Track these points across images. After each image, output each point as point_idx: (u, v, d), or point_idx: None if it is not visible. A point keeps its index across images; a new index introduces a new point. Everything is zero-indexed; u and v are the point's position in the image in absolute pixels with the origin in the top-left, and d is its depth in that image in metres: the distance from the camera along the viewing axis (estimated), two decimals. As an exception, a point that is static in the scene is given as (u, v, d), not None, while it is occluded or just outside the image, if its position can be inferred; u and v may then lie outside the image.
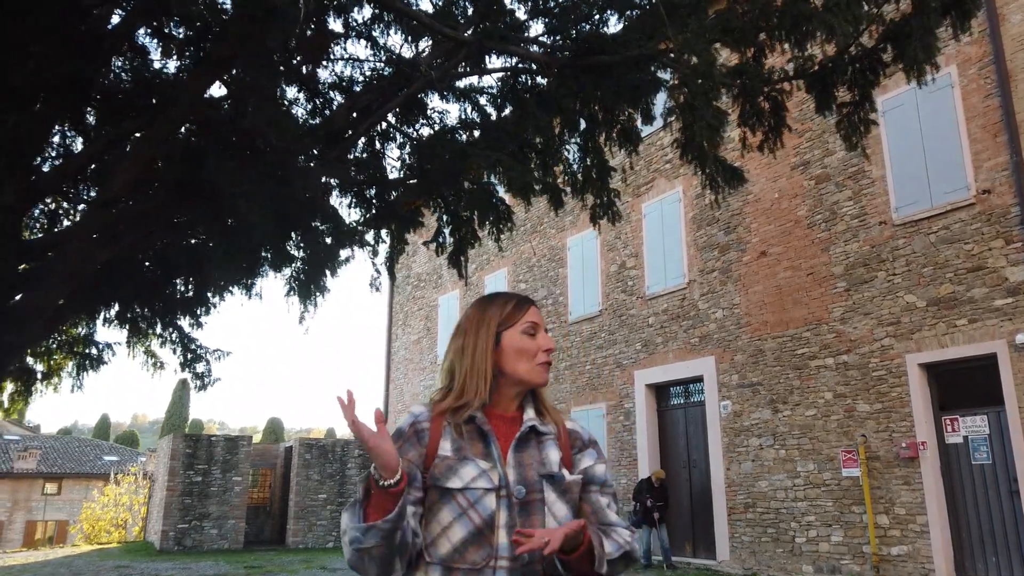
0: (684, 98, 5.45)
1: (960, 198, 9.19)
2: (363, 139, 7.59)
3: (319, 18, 6.68)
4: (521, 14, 7.21)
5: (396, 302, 22.09)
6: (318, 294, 6.73)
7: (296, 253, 7.33)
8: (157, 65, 6.93)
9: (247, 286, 7.87)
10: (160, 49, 6.71)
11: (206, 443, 18.03)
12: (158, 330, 8.66)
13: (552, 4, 7.03)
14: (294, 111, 7.47)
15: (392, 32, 7.31)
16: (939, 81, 9.41)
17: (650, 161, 13.94)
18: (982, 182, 9.01)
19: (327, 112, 7.42)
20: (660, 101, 6.43)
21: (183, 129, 6.42)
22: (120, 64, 6.69)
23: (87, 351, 8.88)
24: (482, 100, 7.72)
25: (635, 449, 13.16)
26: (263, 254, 7.34)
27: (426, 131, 7.78)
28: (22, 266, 6.58)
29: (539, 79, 7.12)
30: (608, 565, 1.47)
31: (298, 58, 6.91)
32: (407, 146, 7.80)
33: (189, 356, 8.89)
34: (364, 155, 7.72)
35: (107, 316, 8.34)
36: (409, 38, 7.31)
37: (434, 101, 7.61)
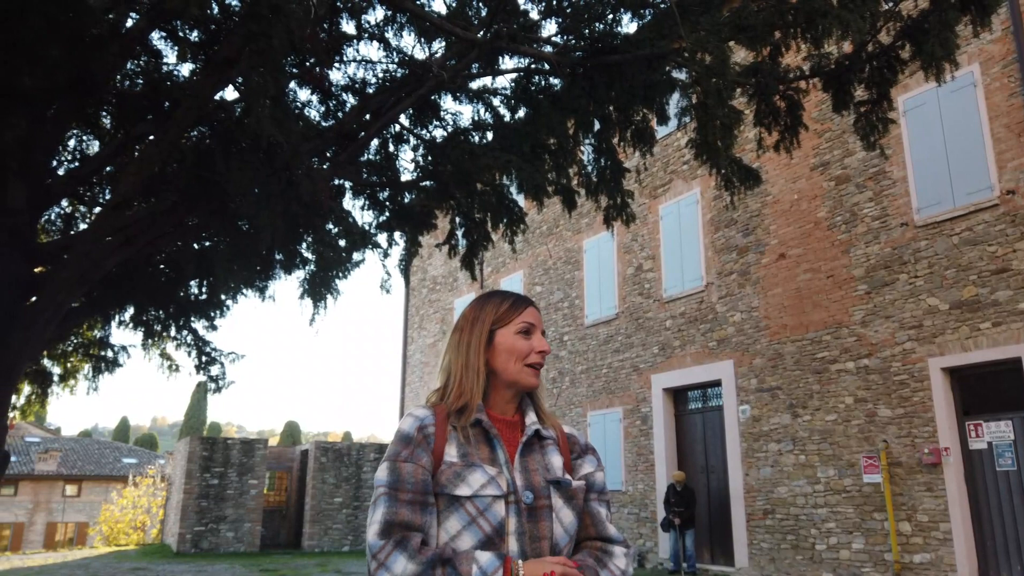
0: (698, 97, 5.37)
1: (983, 199, 9.01)
2: (376, 141, 7.57)
3: (332, 20, 6.67)
4: (534, 14, 7.16)
5: (412, 305, 22.09)
6: (329, 296, 6.70)
7: (308, 255, 7.32)
8: (170, 68, 6.95)
9: (260, 288, 7.87)
10: (176, 52, 6.74)
11: (222, 446, 18.11)
12: (173, 332, 8.69)
13: (565, 4, 6.97)
14: (307, 113, 7.47)
15: (405, 33, 7.29)
16: (961, 80, 9.25)
17: (667, 162, 13.82)
18: (1006, 182, 8.83)
19: (340, 114, 7.40)
20: (675, 101, 6.35)
21: (193, 131, 6.42)
22: (133, 67, 6.71)
23: (103, 353, 8.93)
24: (495, 101, 7.67)
25: (652, 454, 13.03)
26: (276, 256, 7.33)
27: (439, 133, 7.75)
28: (37, 268, 6.61)
29: (552, 80, 7.06)
30: None
31: (311, 60, 6.90)
32: (420, 148, 7.76)
33: (204, 359, 8.91)
34: (377, 157, 7.69)
35: (122, 319, 8.38)
36: (422, 39, 7.28)
37: (447, 103, 7.56)
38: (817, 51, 5.48)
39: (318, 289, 6.68)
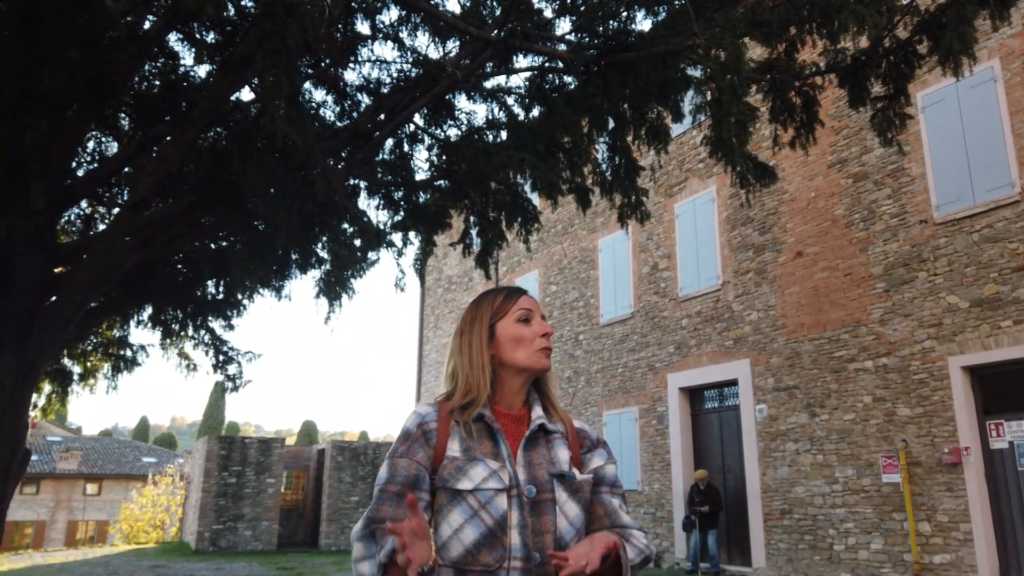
0: (712, 94, 5.34)
1: (1004, 195, 8.89)
2: (391, 141, 7.59)
3: (346, 20, 6.70)
4: (548, 13, 7.15)
5: (427, 304, 22.14)
6: (344, 295, 6.73)
7: (323, 255, 7.35)
8: (187, 69, 7.01)
9: (276, 288, 7.92)
10: (192, 53, 6.80)
11: (240, 445, 18.24)
12: (190, 332, 8.76)
13: (579, 2, 6.96)
14: (323, 113, 7.50)
15: (419, 33, 7.31)
16: (981, 75, 9.14)
17: (683, 161, 13.77)
18: (1027, 178, 8.71)
19: (355, 114, 7.43)
20: (689, 98, 6.33)
21: (210, 132, 6.47)
22: (150, 68, 6.77)
23: (122, 353, 9.02)
24: (509, 100, 7.67)
25: (668, 454, 12.97)
26: (291, 256, 7.38)
27: (454, 132, 7.75)
28: (57, 269, 6.69)
29: (567, 78, 7.05)
30: (631, 572, 1.45)
31: (326, 60, 6.93)
32: (434, 147, 7.78)
33: (221, 358, 8.98)
34: (392, 157, 7.72)
35: (140, 318, 8.46)
36: (436, 39, 7.29)
37: (461, 102, 7.59)
38: (833, 46, 5.43)
39: (333, 288, 6.71)
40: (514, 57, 7.05)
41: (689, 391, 12.99)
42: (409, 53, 7.30)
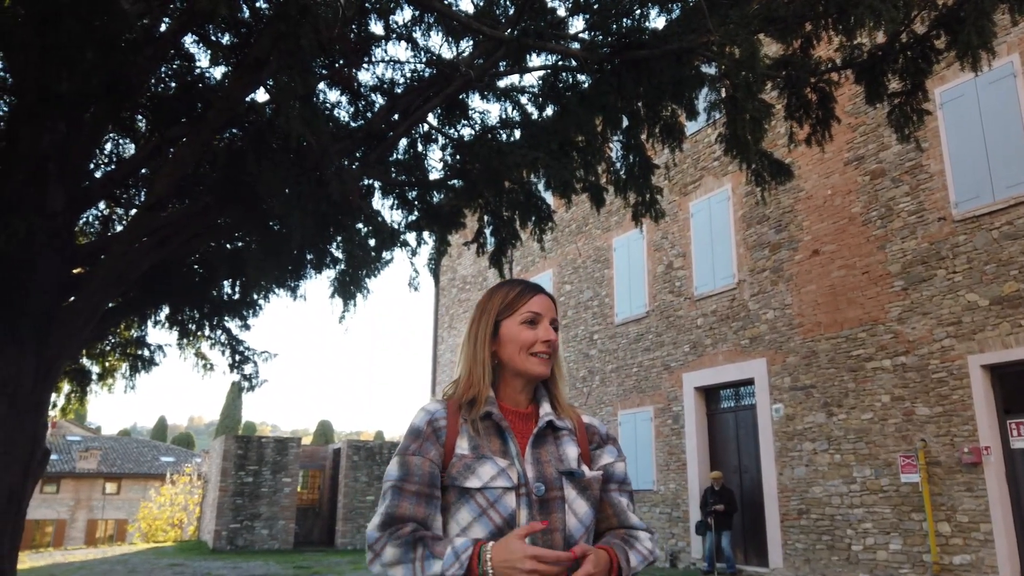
0: (727, 91, 5.30)
1: (1025, 192, 8.78)
2: (405, 141, 7.60)
3: (360, 20, 6.72)
4: (561, 11, 7.13)
5: (442, 304, 22.18)
6: (359, 295, 6.75)
7: (338, 255, 7.38)
8: (202, 71, 7.06)
9: (291, 288, 7.95)
10: (208, 55, 6.85)
11: (257, 445, 18.35)
12: (207, 332, 8.81)
13: (593, 0, 6.93)
14: (337, 114, 7.52)
15: (433, 33, 7.31)
16: (1000, 70, 9.03)
17: (698, 159, 13.70)
18: (1048, 174, 8.59)
19: (369, 114, 7.45)
20: (704, 96, 6.29)
21: (225, 133, 6.51)
22: (166, 70, 6.83)
23: (139, 353, 9.09)
24: (523, 99, 7.65)
25: (684, 453, 12.92)
26: (306, 256, 7.41)
27: (467, 132, 7.75)
28: (76, 269, 6.75)
29: (580, 76, 7.03)
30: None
31: (340, 61, 6.96)
32: (448, 147, 7.78)
33: (237, 357, 9.02)
34: (406, 156, 7.73)
35: (157, 318, 8.52)
36: (449, 39, 7.29)
37: (475, 101, 7.59)
38: (849, 42, 5.38)
39: (348, 288, 6.72)
40: (527, 56, 7.03)
41: (705, 390, 12.92)
42: (423, 53, 7.30)
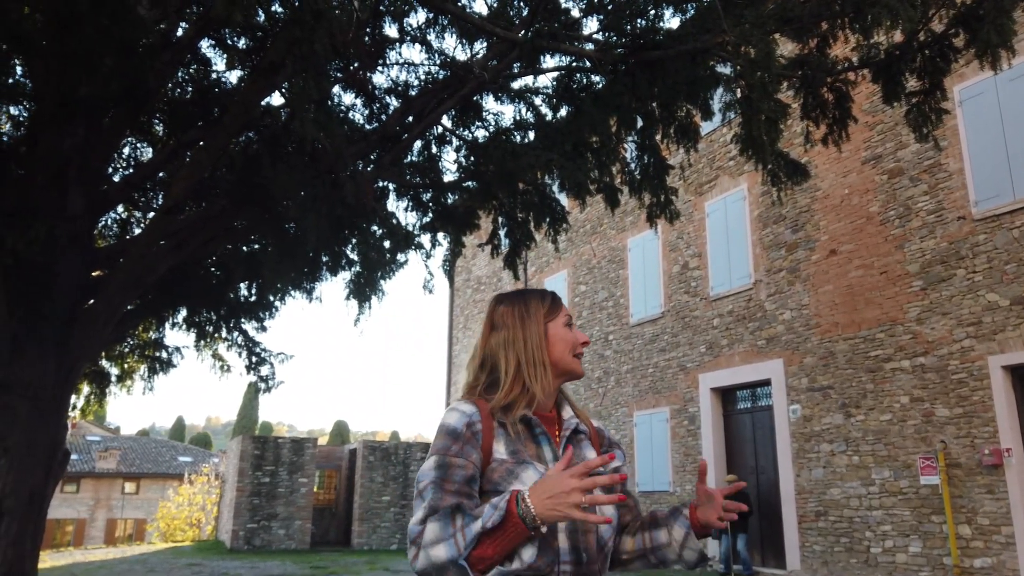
0: (742, 91, 5.27)
1: (1046, 190, 8.67)
2: (419, 143, 7.62)
3: (374, 23, 6.74)
4: (575, 12, 7.12)
5: (456, 305, 22.22)
6: (374, 297, 6.78)
7: (353, 257, 7.41)
8: (219, 75, 7.12)
9: (307, 290, 8.00)
10: (224, 60, 6.90)
11: (273, 445, 18.46)
12: (224, 334, 8.88)
13: (607, 1, 6.92)
14: (351, 116, 7.56)
15: (447, 35, 7.32)
16: (1021, 67, 8.92)
17: (713, 159, 13.63)
18: (1070, 173, 8.48)
19: (383, 117, 7.48)
20: (719, 96, 6.26)
21: (241, 137, 6.56)
22: (183, 75, 6.89)
23: (158, 354, 9.17)
24: (537, 100, 7.65)
25: (700, 454, 12.86)
26: (322, 258, 7.45)
27: (481, 133, 7.76)
28: (95, 272, 6.83)
29: (594, 77, 7.02)
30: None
31: (354, 64, 6.99)
32: (462, 149, 7.79)
33: (254, 359, 9.08)
34: (420, 159, 7.75)
35: (175, 320, 8.60)
36: (463, 41, 7.30)
37: (489, 103, 7.58)
38: (866, 41, 5.33)
39: (363, 290, 6.75)
40: (541, 57, 7.03)
41: (721, 391, 12.86)
42: (437, 55, 7.32)
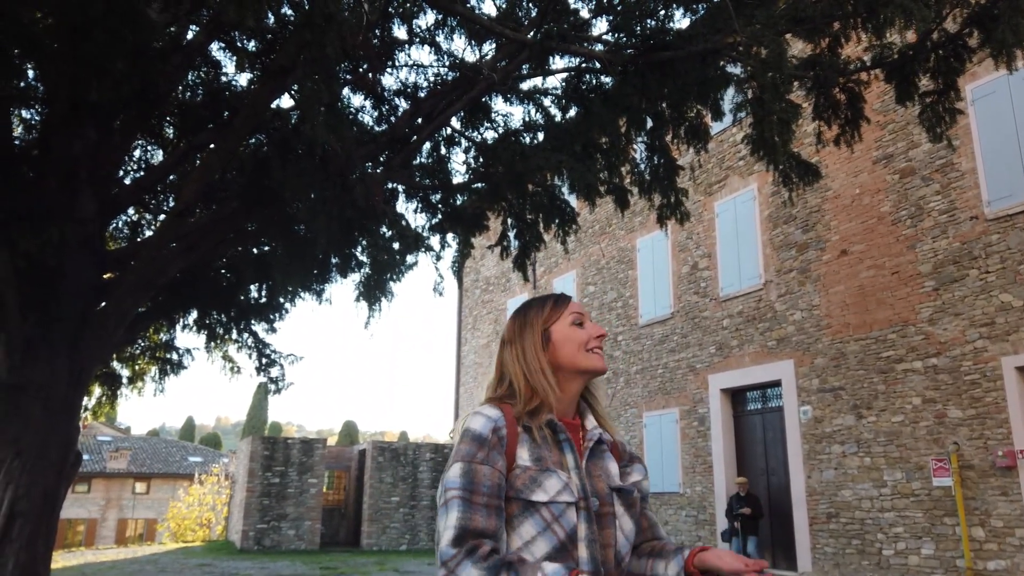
0: (753, 92, 5.24)
1: (1060, 190, 8.59)
2: (428, 144, 7.62)
3: (383, 25, 6.74)
4: (584, 13, 7.10)
5: (465, 306, 22.21)
6: (383, 298, 6.78)
7: (363, 259, 7.41)
8: (229, 78, 7.13)
9: (317, 291, 8.01)
10: (234, 63, 6.91)
11: (283, 445, 18.50)
12: (234, 335, 8.90)
13: (616, 1, 6.89)
14: (361, 118, 7.56)
15: (455, 37, 7.31)
16: (1034, 65, 8.84)
17: (723, 159, 13.58)
18: (1084, 172, 8.40)
19: (392, 119, 7.48)
20: (730, 96, 6.23)
21: (251, 139, 6.57)
22: (193, 78, 6.91)
23: (168, 356, 9.21)
24: (546, 101, 7.63)
25: (710, 456, 12.81)
26: (331, 260, 7.45)
27: (490, 134, 7.75)
28: (106, 275, 6.85)
29: (604, 78, 6.99)
30: None
31: (364, 66, 6.99)
32: (471, 150, 7.79)
33: (264, 360, 9.11)
34: (429, 160, 7.75)
35: (186, 322, 8.63)
36: (472, 42, 7.29)
37: (498, 104, 7.56)
38: (879, 41, 5.30)
39: (373, 292, 6.75)
40: (550, 58, 7.01)
41: (731, 392, 12.81)
42: (445, 57, 7.31)
